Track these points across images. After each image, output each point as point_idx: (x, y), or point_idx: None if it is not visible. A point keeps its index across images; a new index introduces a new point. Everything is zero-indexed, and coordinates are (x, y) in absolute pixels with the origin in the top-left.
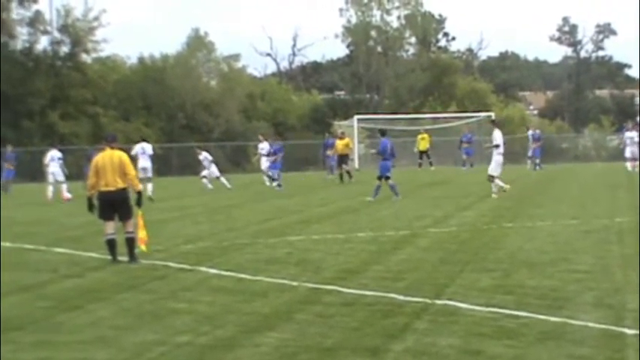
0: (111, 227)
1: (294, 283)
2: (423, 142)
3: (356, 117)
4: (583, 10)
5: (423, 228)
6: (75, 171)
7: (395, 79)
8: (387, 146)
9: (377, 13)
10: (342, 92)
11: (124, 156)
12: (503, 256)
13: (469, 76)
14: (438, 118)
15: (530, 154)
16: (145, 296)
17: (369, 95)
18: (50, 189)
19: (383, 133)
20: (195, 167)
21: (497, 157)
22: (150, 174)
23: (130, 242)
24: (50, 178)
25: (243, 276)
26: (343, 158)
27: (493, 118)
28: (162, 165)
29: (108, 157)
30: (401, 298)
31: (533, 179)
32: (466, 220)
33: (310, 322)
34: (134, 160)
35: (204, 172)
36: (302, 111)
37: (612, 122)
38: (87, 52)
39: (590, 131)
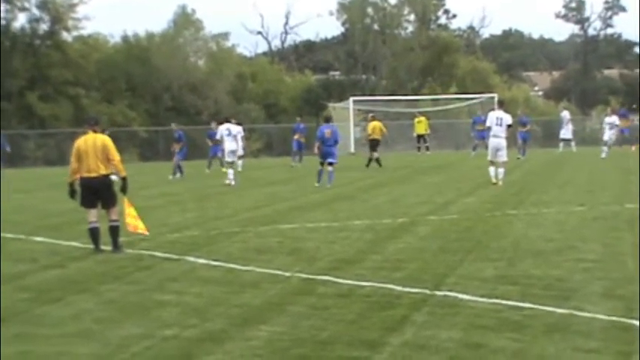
0: (93, 215)
1: (287, 274)
2: (420, 126)
3: (351, 99)
4: None
5: (423, 215)
6: (56, 155)
7: (392, 59)
8: (322, 132)
9: None
10: (337, 73)
11: (107, 140)
12: (507, 244)
13: (471, 55)
14: (438, 99)
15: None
16: (130, 287)
17: (366, 76)
18: None
19: (327, 119)
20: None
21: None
22: (239, 154)
23: (114, 231)
24: None
25: (232, 266)
26: (372, 143)
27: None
28: (147, 149)
29: (90, 141)
30: (399, 289)
31: (538, 163)
32: (468, 206)
33: (304, 315)
34: (220, 142)
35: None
36: (295, 92)
37: (622, 103)
38: (67, 30)
39: (598, 113)
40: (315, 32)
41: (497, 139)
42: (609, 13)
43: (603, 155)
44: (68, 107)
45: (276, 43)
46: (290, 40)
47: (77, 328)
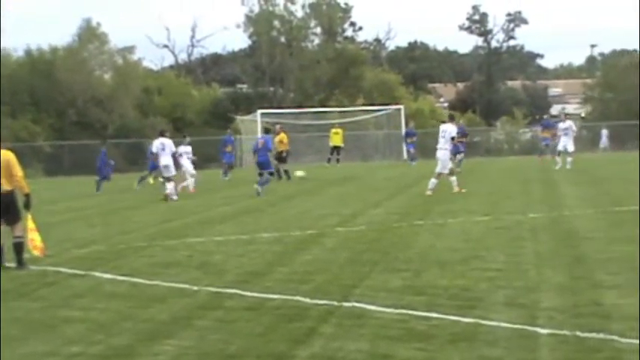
0: None
1: (195, 288)
2: (336, 137)
3: (259, 111)
4: None
5: (330, 227)
6: None
7: (299, 72)
8: (256, 144)
9: (280, 2)
10: (245, 85)
11: (10, 155)
12: (414, 255)
13: (377, 67)
14: (346, 111)
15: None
16: (35, 304)
17: (273, 88)
18: None
19: (266, 130)
20: (88, 166)
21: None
22: (173, 172)
23: (18, 247)
24: None
25: (139, 281)
26: (279, 155)
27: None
28: (52, 164)
29: None
30: (307, 301)
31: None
32: (375, 218)
33: (211, 329)
34: (155, 157)
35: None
36: (202, 106)
37: (525, 114)
38: None
39: (503, 124)
40: (222, 45)
41: (441, 151)
42: (511, 25)
43: (567, 166)
44: None
45: (182, 57)
46: (197, 53)
47: None
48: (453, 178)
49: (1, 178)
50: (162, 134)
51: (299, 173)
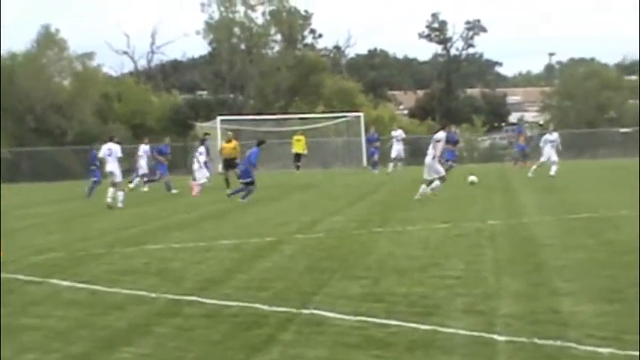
0: None
1: (153, 295)
2: (299, 144)
3: (219, 118)
4: (452, 5)
5: (289, 234)
6: None
7: (260, 78)
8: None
9: (241, 9)
10: (205, 92)
11: None
12: (373, 262)
13: (337, 74)
14: (306, 118)
15: (394, 155)
16: None
17: (233, 95)
18: None
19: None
20: (47, 173)
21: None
22: (119, 179)
23: None
24: None
25: (97, 288)
26: (229, 162)
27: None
28: (11, 170)
29: None
30: (265, 308)
31: (404, 181)
32: (334, 225)
33: (169, 336)
34: (102, 163)
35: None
36: (161, 112)
37: (484, 122)
38: None
39: (462, 132)
40: (182, 52)
41: (427, 158)
42: (471, 34)
43: (552, 172)
44: None
45: (142, 63)
46: (157, 60)
47: None
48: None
49: None
50: (110, 139)
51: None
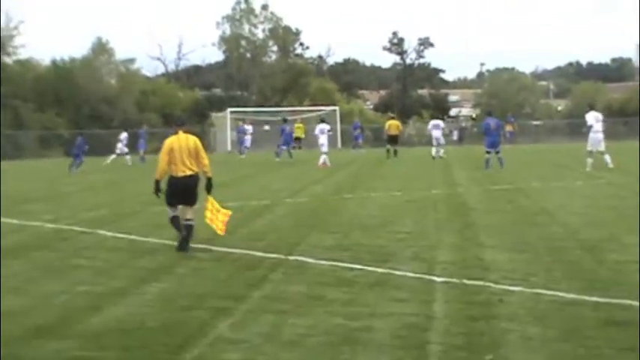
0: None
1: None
2: (299, 130)
3: (229, 110)
4: (408, 26)
5: (281, 199)
6: None
7: (260, 80)
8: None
9: (246, 27)
10: (219, 90)
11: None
12: (343, 220)
13: (320, 77)
14: (295, 110)
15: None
16: (53, 254)
17: (240, 92)
18: None
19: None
20: (98, 150)
21: (591, 135)
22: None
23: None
24: None
25: (134, 237)
26: (393, 138)
27: (588, 103)
28: (70, 148)
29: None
30: (260, 254)
31: (369, 160)
32: (315, 192)
33: (187, 275)
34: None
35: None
36: (185, 105)
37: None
38: (8, 55)
39: (414, 122)
40: (202, 58)
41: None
42: (422, 47)
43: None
44: (9, 114)
45: (171, 67)
46: (182, 65)
47: (10, 285)
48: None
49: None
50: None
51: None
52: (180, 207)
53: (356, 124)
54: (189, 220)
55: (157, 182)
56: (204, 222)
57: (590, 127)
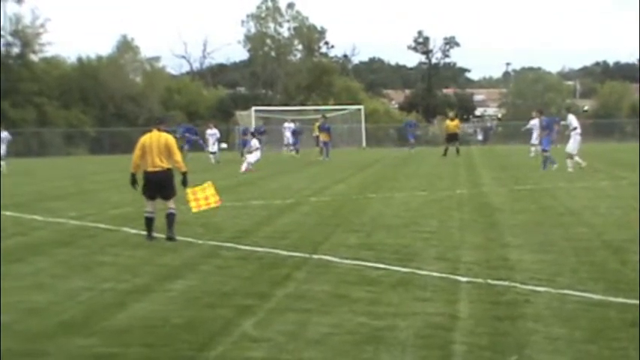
0: None
1: (199, 241)
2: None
3: (253, 108)
4: (434, 25)
5: (305, 197)
6: (23, 149)
7: (285, 78)
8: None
9: (271, 25)
10: (243, 88)
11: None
12: (367, 220)
13: (344, 76)
14: (319, 110)
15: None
16: (78, 251)
17: (265, 91)
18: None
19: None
20: (123, 148)
21: (576, 137)
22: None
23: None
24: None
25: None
26: (453, 136)
27: (569, 106)
28: (96, 145)
29: None
30: (284, 253)
31: (395, 160)
32: (339, 191)
33: (211, 273)
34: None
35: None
36: (210, 103)
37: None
38: (34, 52)
39: (439, 121)
40: (227, 57)
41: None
42: (447, 47)
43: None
44: (34, 112)
45: (196, 65)
46: (207, 63)
47: (34, 281)
48: None
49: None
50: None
51: None
52: (155, 203)
53: (410, 122)
54: (170, 208)
55: (132, 175)
56: (208, 218)
57: (575, 128)
